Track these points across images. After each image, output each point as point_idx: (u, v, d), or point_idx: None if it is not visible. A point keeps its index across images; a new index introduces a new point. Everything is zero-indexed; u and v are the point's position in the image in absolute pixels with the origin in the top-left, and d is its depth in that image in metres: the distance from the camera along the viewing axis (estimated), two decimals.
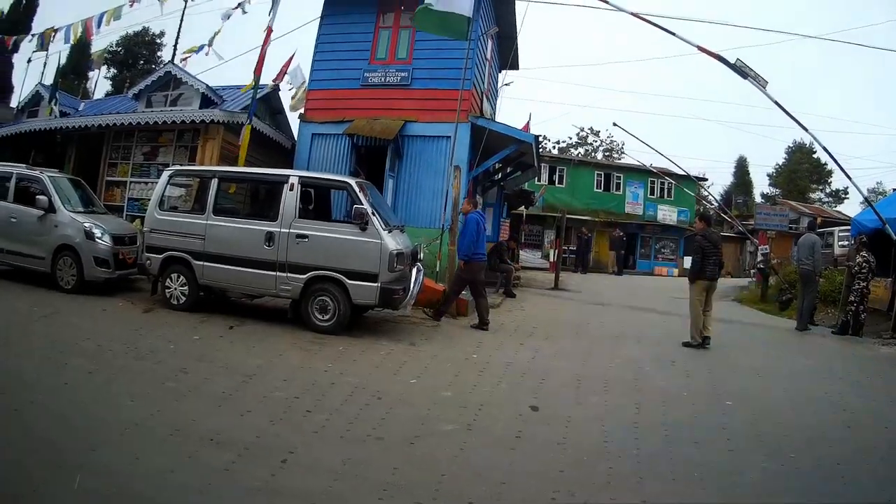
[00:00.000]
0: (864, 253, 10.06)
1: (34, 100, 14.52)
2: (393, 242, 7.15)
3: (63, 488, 3.15)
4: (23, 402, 4.34)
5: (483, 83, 12.83)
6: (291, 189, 7.39)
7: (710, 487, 3.68)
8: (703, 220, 9.02)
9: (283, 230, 7.28)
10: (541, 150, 18.16)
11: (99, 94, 22.86)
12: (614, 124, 29.98)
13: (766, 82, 9.17)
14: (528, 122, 16.37)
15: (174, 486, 3.32)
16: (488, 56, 12.99)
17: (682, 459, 4.05)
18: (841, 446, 4.56)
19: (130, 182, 11.63)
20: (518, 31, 12.92)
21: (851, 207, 37.26)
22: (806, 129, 9.75)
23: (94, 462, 3.49)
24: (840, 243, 16.86)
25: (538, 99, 58.29)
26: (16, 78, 27.52)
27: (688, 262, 27.90)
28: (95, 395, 4.68)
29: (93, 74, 19.27)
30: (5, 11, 20.45)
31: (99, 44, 22.11)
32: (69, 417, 4.16)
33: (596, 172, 28.62)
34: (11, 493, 3.10)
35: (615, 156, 39.34)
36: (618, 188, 28.42)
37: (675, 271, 27.22)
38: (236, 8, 12.81)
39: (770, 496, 3.66)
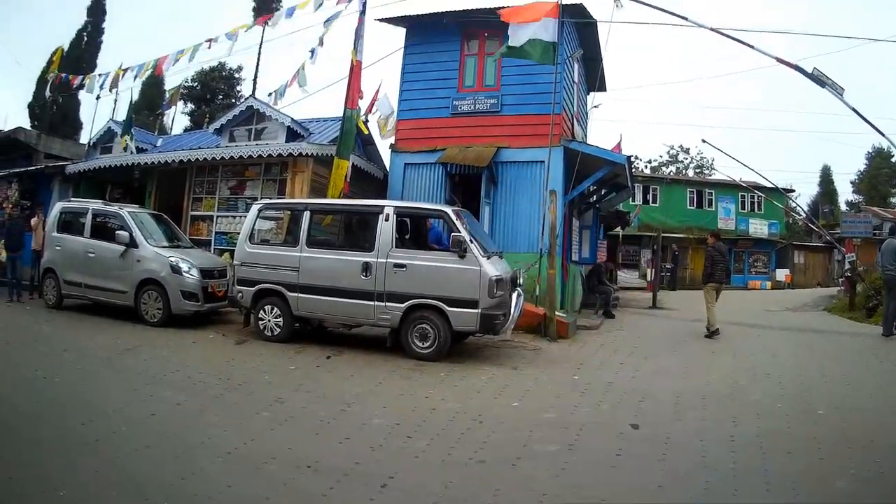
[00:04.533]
0: None
1: (106, 136, 14.03)
2: (492, 269, 6.99)
3: None
4: (105, 433, 4.19)
5: (573, 106, 12.40)
6: (387, 219, 7.31)
7: (802, 496, 3.68)
8: (713, 236, 10.47)
9: (380, 260, 7.20)
10: (633, 170, 17.68)
11: (177, 129, 23.02)
12: (703, 141, 29.65)
13: (843, 90, 9.28)
14: (619, 143, 15.95)
15: None
16: (576, 79, 12.68)
17: (776, 470, 4.05)
18: None
19: (217, 216, 11.47)
20: (602, 52, 12.44)
21: None
22: (883, 134, 10.16)
23: (182, 492, 3.39)
24: None
25: (626, 119, 57.88)
26: (84, 115, 28.70)
27: (780, 274, 28.27)
28: (184, 425, 4.52)
29: (169, 111, 19.35)
30: (66, 49, 21.17)
31: (173, 80, 22.17)
32: (156, 448, 4.01)
33: (688, 190, 28.40)
34: None
35: (705, 172, 38.89)
36: (710, 204, 28.06)
37: (769, 284, 26.88)
38: (320, 45, 12.82)
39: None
